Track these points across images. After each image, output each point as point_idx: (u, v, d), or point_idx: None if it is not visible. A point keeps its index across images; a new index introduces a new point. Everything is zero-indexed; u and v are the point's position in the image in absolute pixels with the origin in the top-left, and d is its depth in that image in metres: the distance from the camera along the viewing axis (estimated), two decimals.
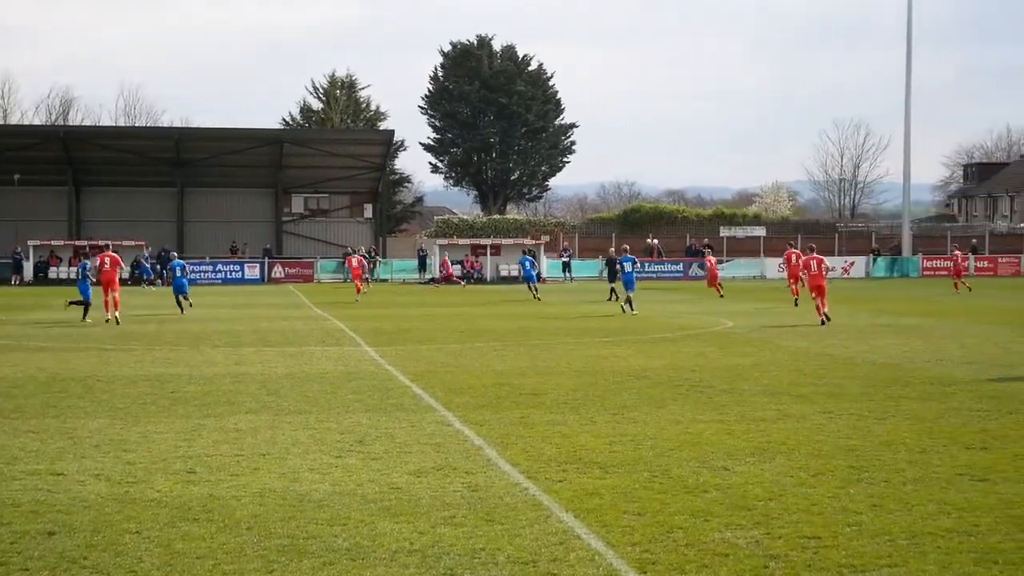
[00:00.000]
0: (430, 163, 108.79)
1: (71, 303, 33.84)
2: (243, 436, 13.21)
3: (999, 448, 12.25)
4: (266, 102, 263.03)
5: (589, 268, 70.24)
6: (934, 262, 72.05)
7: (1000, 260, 72.32)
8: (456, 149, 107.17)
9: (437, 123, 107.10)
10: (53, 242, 66.24)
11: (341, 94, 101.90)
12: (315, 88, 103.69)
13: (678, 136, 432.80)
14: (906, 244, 74.94)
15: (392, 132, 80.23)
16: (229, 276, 66.20)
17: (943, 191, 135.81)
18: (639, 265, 41.56)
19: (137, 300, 41.70)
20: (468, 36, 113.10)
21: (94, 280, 33.74)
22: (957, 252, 53.70)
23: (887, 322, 30.82)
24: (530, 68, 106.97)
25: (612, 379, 18.43)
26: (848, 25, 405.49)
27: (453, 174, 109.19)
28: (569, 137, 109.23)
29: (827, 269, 31.17)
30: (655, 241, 73.72)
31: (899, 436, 12.98)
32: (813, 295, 30.67)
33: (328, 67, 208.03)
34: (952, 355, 21.75)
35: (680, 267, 69.08)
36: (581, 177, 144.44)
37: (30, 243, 64.98)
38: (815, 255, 31.75)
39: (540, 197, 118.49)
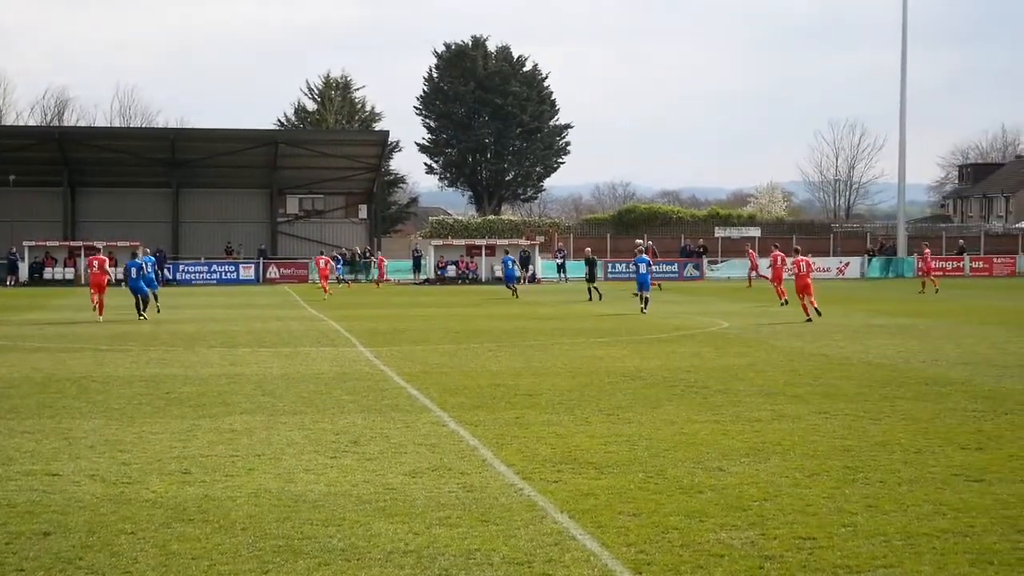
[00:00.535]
0: (425, 164, 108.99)
1: (142, 314, 33.10)
2: (238, 437, 13.21)
3: (994, 449, 12.27)
4: (261, 103, 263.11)
5: (584, 269, 70.19)
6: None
7: (995, 260, 72.41)
8: (451, 150, 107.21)
9: (432, 124, 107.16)
10: (48, 243, 66.19)
11: (336, 95, 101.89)
12: (310, 89, 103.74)
13: (673, 137, 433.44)
14: (901, 245, 75.01)
15: (387, 133, 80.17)
16: (224, 277, 66.19)
17: (938, 191, 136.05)
18: (653, 267, 42.61)
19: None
20: (463, 37, 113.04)
21: (135, 276, 33.66)
22: (927, 249, 54.02)
23: (882, 322, 30.85)
24: (525, 69, 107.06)
25: (607, 380, 18.43)
26: (843, 25, 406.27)
27: (448, 175, 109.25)
28: (564, 138, 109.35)
29: (812, 269, 32.58)
30: (649, 243, 73.69)
31: (894, 436, 13.00)
32: (801, 295, 31.76)
33: (323, 68, 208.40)
34: (947, 355, 21.78)
35: (675, 268, 69.05)
36: (576, 178, 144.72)
37: (25, 244, 64.89)
38: (801, 257, 33.00)
39: (535, 198, 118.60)
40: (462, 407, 15.47)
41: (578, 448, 12.39)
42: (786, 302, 37.01)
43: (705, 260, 71.55)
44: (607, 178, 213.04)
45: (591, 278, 45.69)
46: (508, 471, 11.19)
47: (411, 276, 68.44)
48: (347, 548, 8.49)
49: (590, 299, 43.25)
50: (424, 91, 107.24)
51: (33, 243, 65.27)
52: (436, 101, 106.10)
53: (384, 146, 79.13)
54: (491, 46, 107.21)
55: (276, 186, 75.75)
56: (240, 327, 30.44)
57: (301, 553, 8.37)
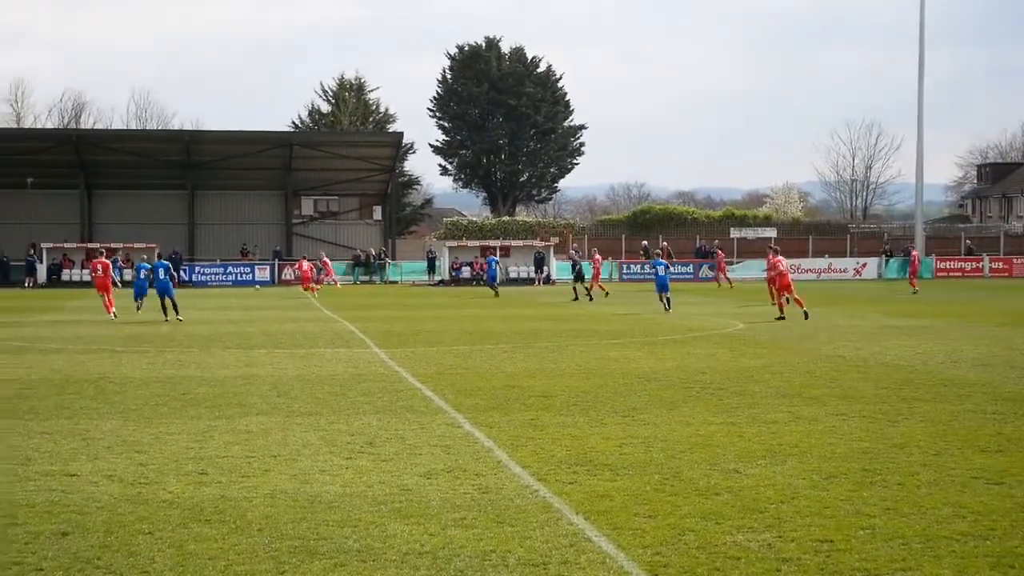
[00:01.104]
0: (439, 165, 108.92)
1: (177, 317, 32.96)
2: (254, 438, 13.22)
3: (1015, 451, 12.20)
4: (275, 105, 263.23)
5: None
6: (947, 263, 71.94)
7: (1015, 261, 71.99)
8: (465, 151, 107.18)
9: (446, 125, 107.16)
10: (66, 245, 66.48)
11: (350, 96, 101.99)
12: (324, 91, 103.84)
13: (688, 137, 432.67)
14: (919, 245, 74.79)
15: (401, 134, 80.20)
16: (239, 278, 66.35)
17: (957, 191, 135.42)
18: (671, 269, 45.24)
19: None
20: (476, 38, 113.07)
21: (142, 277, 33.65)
22: (914, 252, 54.67)
23: (899, 324, 30.73)
24: (539, 70, 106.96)
25: (622, 381, 18.40)
26: (860, 24, 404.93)
27: (462, 176, 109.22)
28: (578, 138, 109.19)
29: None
30: (665, 244, 73.62)
31: (913, 438, 12.93)
32: (784, 293, 33.12)
33: (337, 69, 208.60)
34: (966, 357, 21.68)
35: (690, 269, 68.96)
36: (590, 179, 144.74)
37: (43, 246, 65.22)
38: (780, 257, 34.65)
39: (549, 199, 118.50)
40: (477, 408, 15.46)
41: (593, 450, 12.37)
42: (787, 300, 37.08)
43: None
44: (622, 179, 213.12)
45: (579, 278, 47.51)
46: (523, 472, 11.18)
47: (425, 277, 68.52)
48: (363, 549, 8.49)
49: (575, 299, 44.90)
50: (438, 93, 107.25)
51: (51, 245, 65.59)
52: (450, 102, 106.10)
53: (398, 147, 79.18)
54: (505, 47, 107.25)
55: (291, 188, 75.90)
56: (255, 328, 30.50)
57: (317, 554, 8.37)
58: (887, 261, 71.73)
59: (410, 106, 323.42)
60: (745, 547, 8.51)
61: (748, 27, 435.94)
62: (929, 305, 40.03)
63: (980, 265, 71.37)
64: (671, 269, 43.11)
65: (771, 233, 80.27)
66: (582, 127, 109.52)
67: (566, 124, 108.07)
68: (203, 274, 66.78)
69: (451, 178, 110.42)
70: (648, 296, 47.07)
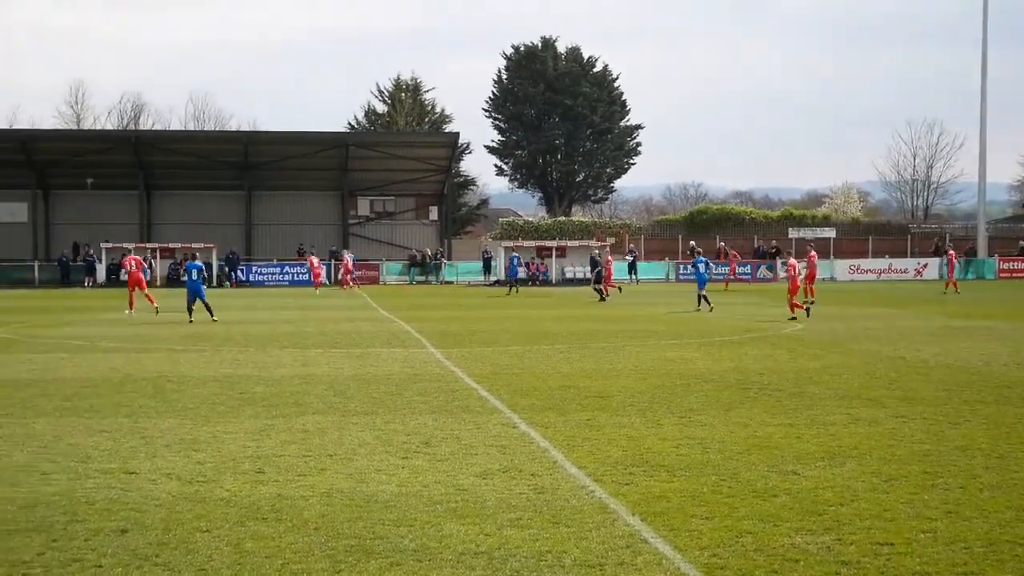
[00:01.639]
0: (495, 165, 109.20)
1: (212, 317, 33.23)
2: (311, 437, 13.28)
3: None
4: (332, 106, 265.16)
5: (655, 270, 69.98)
6: (1011, 264, 70.87)
7: None
8: (521, 151, 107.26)
9: (502, 125, 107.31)
10: (125, 245, 67.36)
11: (406, 97, 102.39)
12: (380, 91, 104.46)
13: (746, 137, 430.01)
14: (981, 245, 73.77)
15: (457, 135, 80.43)
16: (296, 278, 66.83)
17: (1020, 191, 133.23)
18: (712, 267, 47.39)
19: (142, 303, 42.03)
20: (532, 38, 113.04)
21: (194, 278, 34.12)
22: (951, 252, 54.89)
23: (962, 325, 30.30)
24: (595, 70, 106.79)
25: (679, 381, 18.29)
26: (922, 22, 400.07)
27: (518, 176, 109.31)
28: (635, 138, 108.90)
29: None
30: (720, 245, 73.14)
31: (975, 441, 12.73)
32: (796, 294, 34.19)
33: (393, 70, 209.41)
34: None
35: (748, 269, 68.47)
36: (647, 179, 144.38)
37: (103, 246, 66.14)
38: (793, 259, 36.01)
39: (606, 199, 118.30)
40: (533, 408, 15.43)
41: (650, 450, 12.29)
42: (812, 303, 38.69)
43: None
44: (678, 179, 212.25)
45: (598, 279, 47.99)
46: (579, 473, 11.13)
47: (481, 278, 68.61)
48: (418, 548, 8.49)
49: (601, 299, 45.65)
50: (494, 93, 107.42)
51: (110, 245, 66.49)
52: (506, 103, 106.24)
53: (454, 148, 79.38)
54: (560, 47, 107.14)
55: (347, 188, 76.37)
56: (312, 328, 30.67)
57: (373, 553, 8.38)
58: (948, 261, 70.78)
59: (466, 107, 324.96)
60: (804, 550, 8.41)
61: (809, 27, 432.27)
62: (992, 306, 39.44)
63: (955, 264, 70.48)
64: (711, 268, 45.01)
65: (830, 233, 79.58)
66: (638, 127, 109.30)
67: (622, 124, 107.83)
68: (260, 274, 67.38)
69: (507, 178, 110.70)
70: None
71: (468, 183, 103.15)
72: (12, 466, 11.61)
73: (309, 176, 76.74)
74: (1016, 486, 10.44)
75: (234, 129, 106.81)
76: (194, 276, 33.75)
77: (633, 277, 66.76)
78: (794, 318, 32.70)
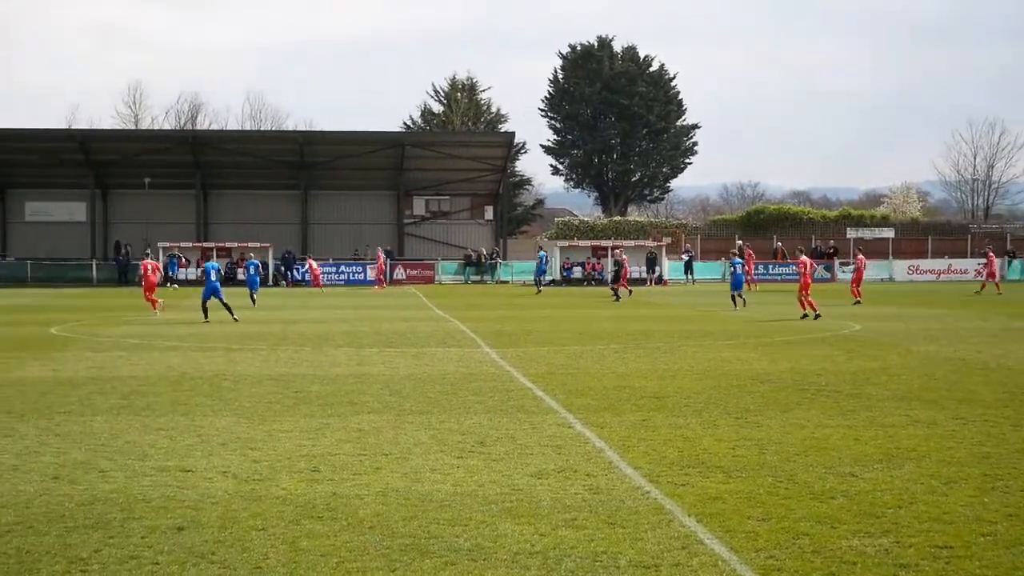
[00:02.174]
0: (551, 165, 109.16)
1: (233, 317, 33.34)
2: (366, 436, 13.33)
3: None
4: (388, 106, 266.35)
5: (711, 270, 69.58)
6: None
7: None
8: (577, 151, 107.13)
9: (557, 125, 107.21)
10: (181, 244, 68.04)
11: (462, 97, 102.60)
12: (436, 91, 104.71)
13: (803, 136, 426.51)
14: None
15: (512, 134, 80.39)
16: (352, 278, 67.21)
17: None
18: (755, 268, 48.58)
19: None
20: (588, 38, 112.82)
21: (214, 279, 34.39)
22: (991, 253, 54.06)
23: (1023, 326, 29.83)
24: (651, 69, 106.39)
25: (735, 382, 18.16)
26: (983, 22, 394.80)
27: (574, 176, 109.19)
28: (691, 138, 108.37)
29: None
30: (777, 245, 72.55)
31: None
32: (807, 294, 33.95)
33: (448, 70, 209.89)
34: None
35: (760, 268, 67.83)
36: (703, 178, 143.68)
37: (160, 245, 66.87)
38: (805, 256, 36.22)
39: (662, 198, 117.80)
40: (588, 409, 15.38)
41: (706, 451, 12.21)
42: (858, 302, 40.04)
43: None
44: (735, 178, 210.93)
45: (616, 279, 47.99)
46: (635, 473, 11.08)
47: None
48: (473, 548, 8.48)
49: (617, 299, 45.82)
50: (549, 92, 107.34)
51: (167, 244, 67.19)
52: (562, 102, 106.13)
53: (510, 147, 79.41)
54: (617, 46, 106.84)
55: (403, 188, 76.63)
56: (367, 327, 30.81)
57: (428, 552, 8.39)
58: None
59: (522, 106, 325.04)
60: (861, 552, 8.31)
61: (864, 27, 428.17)
62: None
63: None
64: (750, 270, 46.42)
65: (889, 233, 78.71)
66: (695, 126, 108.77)
67: (679, 124, 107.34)
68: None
69: (562, 178, 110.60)
70: (766, 296, 46.52)
71: (524, 183, 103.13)
72: (70, 463, 11.75)
73: (365, 176, 77.11)
74: None
75: (290, 129, 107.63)
76: (213, 277, 34.06)
77: (689, 277, 66.43)
78: (805, 315, 32.88)
